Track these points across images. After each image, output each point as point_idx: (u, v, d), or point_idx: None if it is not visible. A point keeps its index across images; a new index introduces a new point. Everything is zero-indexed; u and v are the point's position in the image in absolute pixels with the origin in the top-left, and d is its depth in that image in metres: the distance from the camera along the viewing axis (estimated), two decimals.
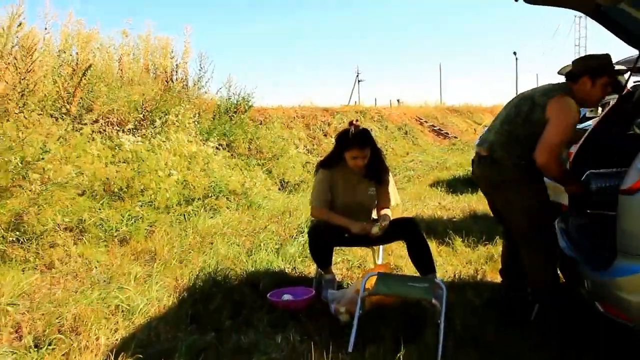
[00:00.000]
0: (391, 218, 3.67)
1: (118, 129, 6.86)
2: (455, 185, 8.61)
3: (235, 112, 9.86)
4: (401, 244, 3.94)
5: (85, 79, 7.12)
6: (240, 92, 10.39)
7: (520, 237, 3.15)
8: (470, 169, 9.65)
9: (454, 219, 5.94)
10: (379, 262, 3.83)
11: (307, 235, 3.57)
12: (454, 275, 3.97)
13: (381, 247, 3.94)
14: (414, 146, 16.08)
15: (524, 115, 2.98)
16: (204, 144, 7.16)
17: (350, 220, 3.53)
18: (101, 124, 7.06)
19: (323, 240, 3.44)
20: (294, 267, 4.18)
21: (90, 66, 6.93)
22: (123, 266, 4.08)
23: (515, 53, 45.21)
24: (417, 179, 9.92)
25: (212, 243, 4.79)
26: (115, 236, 4.88)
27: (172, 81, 10.02)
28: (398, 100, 28.96)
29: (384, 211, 3.73)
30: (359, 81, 42.28)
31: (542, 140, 2.86)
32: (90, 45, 8.86)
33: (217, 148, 7.58)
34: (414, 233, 3.49)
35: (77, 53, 8.42)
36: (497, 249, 4.46)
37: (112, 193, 5.62)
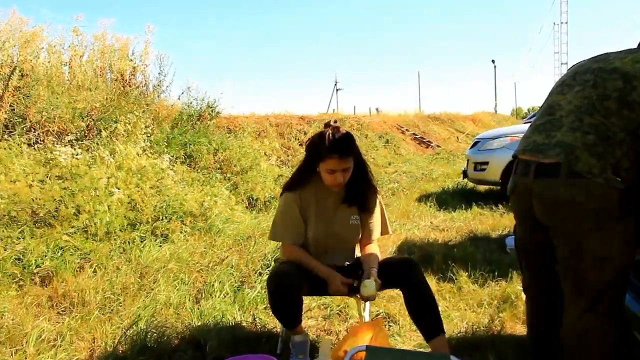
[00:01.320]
0: (380, 258, 2.73)
1: (55, 140, 5.83)
2: (446, 200, 7.70)
3: (199, 120, 8.86)
4: None
5: (16, 81, 6.11)
6: (205, 97, 9.42)
7: (584, 295, 1.97)
8: (460, 180, 8.84)
9: (451, 243, 5.01)
10: (366, 315, 2.85)
11: (266, 284, 2.59)
12: (465, 329, 3.03)
13: None
14: (396, 156, 15.19)
15: (618, 96, 1.91)
16: (158, 156, 6.14)
17: (330, 272, 2.57)
18: (37, 134, 6.06)
19: (289, 292, 2.46)
20: (255, 319, 3.19)
21: (15, 67, 5.89)
22: (28, 320, 3.07)
23: (493, 61, 45.10)
24: (403, 192, 8.98)
25: (155, 281, 3.80)
26: (36, 273, 3.88)
27: (130, 86, 9.02)
28: (377, 109, 28.15)
29: (369, 249, 2.77)
30: (337, 90, 41.32)
31: None
32: (33, 44, 7.84)
33: (175, 160, 6.57)
34: (414, 281, 2.52)
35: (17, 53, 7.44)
36: (512, 287, 3.53)
37: (38, 219, 4.60)
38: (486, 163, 7.46)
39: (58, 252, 4.18)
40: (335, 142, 2.51)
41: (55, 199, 4.68)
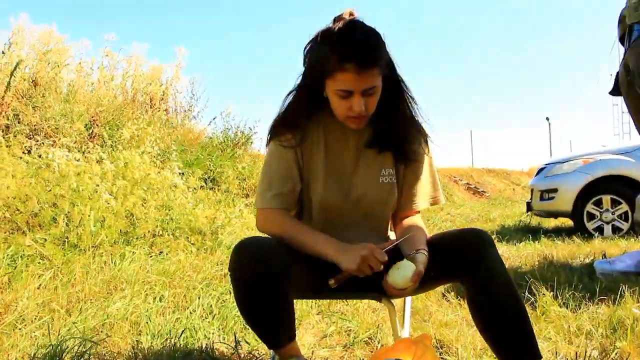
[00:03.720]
0: (427, 235, 1.70)
1: (51, 142, 5.09)
2: (508, 234, 6.52)
3: (232, 148, 8.06)
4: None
5: (27, 89, 5.48)
6: (240, 124, 8.69)
7: None
8: (522, 218, 7.62)
9: (521, 271, 3.88)
10: (405, 330, 1.79)
11: (229, 262, 1.49)
12: None
13: (408, 300, 1.93)
14: (449, 203, 14.01)
15: None
16: (170, 170, 5.29)
17: (336, 243, 1.52)
18: (38, 143, 5.34)
19: (270, 284, 1.42)
20: (238, 343, 2.15)
21: (17, 66, 5.24)
22: None
23: (548, 118, 43.48)
24: None
25: (123, 296, 2.83)
26: None
27: (158, 110, 8.39)
28: None
29: (410, 222, 1.74)
30: None
31: None
32: (56, 58, 7.26)
33: (190, 176, 5.70)
34: (487, 266, 1.47)
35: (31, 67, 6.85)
36: (625, 308, 2.40)
37: (8, 222, 3.79)
38: (555, 190, 6.27)
39: (18, 260, 3.32)
40: (350, 42, 1.48)
41: (28, 198, 3.86)
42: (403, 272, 1.43)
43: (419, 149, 1.71)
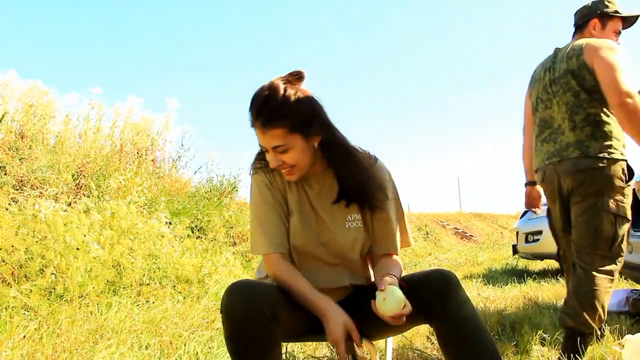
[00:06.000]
0: (402, 271, 1.74)
1: (39, 195, 5.11)
2: (495, 277, 6.56)
3: (218, 198, 8.10)
4: None
5: (5, 134, 5.53)
6: (225, 174, 8.77)
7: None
8: (509, 260, 7.66)
9: (507, 313, 3.91)
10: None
11: (221, 303, 1.53)
12: None
13: (390, 341, 1.96)
14: (437, 247, 14.08)
15: (582, 88, 2.42)
16: (157, 220, 5.31)
17: (329, 305, 1.57)
18: (25, 195, 5.37)
19: (260, 325, 1.44)
20: None
21: (5, 114, 5.31)
22: None
23: None
24: None
25: (108, 345, 2.82)
26: None
27: (145, 160, 8.45)
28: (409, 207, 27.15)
29: (385, 263, 1.76)
30: None
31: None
32: (41, 111, 7.34)
33: (176, 225, 5.73)
34: (452, 307, 1.50)
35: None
36: (606, 346, 2.44)
37: None
38: (539, 232, 6.33)
39: (3, 312, 3.31)
40: (253, 103, 1.61)
41: (15, 249, 3.87)
42: (393, 297, 1.45)
43: (381, 198, 1.76)
